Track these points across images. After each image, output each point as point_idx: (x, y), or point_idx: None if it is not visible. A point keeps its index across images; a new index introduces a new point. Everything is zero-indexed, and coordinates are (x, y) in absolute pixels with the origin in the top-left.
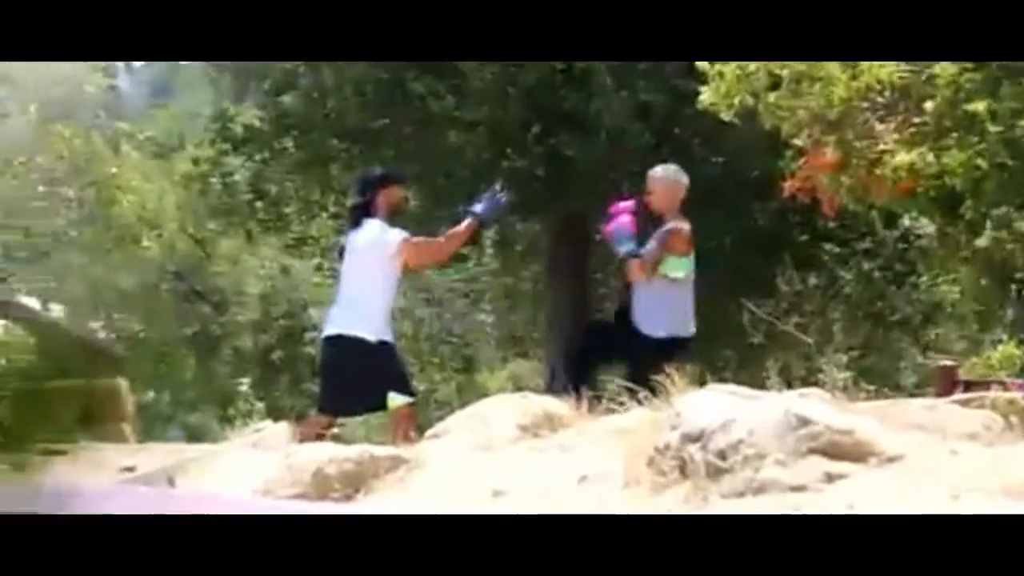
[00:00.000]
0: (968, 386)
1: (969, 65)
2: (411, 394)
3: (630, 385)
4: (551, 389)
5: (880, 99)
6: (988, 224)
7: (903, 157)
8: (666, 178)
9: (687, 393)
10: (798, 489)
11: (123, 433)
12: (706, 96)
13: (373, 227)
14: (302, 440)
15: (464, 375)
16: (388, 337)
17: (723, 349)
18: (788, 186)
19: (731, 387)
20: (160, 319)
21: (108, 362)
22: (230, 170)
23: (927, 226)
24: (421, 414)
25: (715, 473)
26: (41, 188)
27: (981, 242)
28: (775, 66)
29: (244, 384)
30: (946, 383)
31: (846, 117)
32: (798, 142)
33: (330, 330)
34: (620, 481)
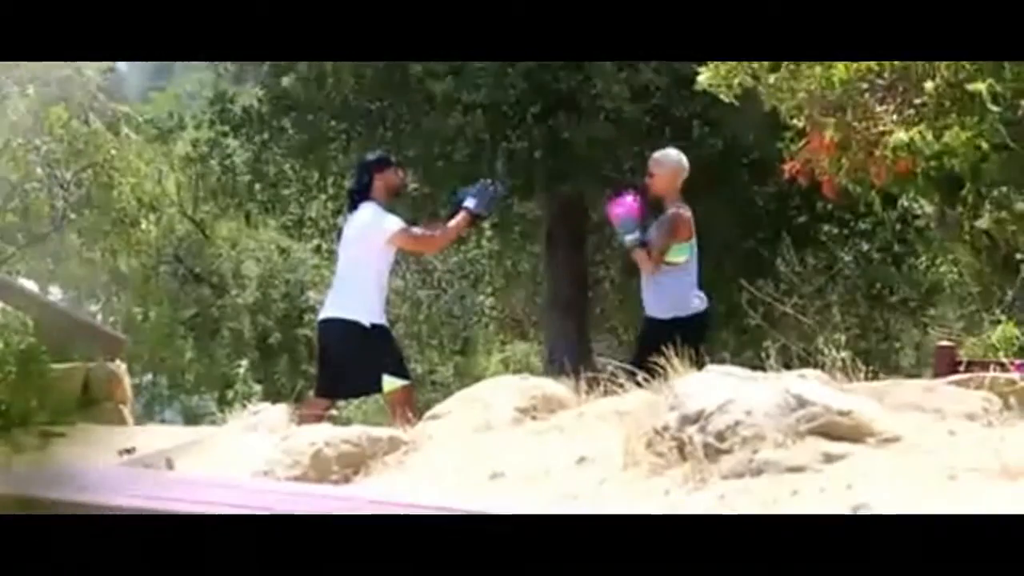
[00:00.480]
0: (967, 366)
1: None
2: (406, 376)
3: (628, 367)
4: (549, 371)
5: (880, 80)
6: (988, 205)
7: (901, 135)
8: (667, 162)
9: (686, 375)
10: (796, 470)
11: (122, 415)
12: (705, 77)
13: (369, 211)
14: (301, 423)
15: (462, 357)
16: (382, 320)
17: (721, 330)
18: (788, 168)
19: (729, 368)
20: (158, 301)
21: (106, 344)
22: (229, 152)
23: (926, 207)
24: (419, 396)
25: (714, 454)
26: (39, 171)
27: (981, 223)
28: None
29: (242, 366)
30: (944, 364)
31: (846, 98)
32: (798, 123)
33: (325, 314)
34: (619, 463)
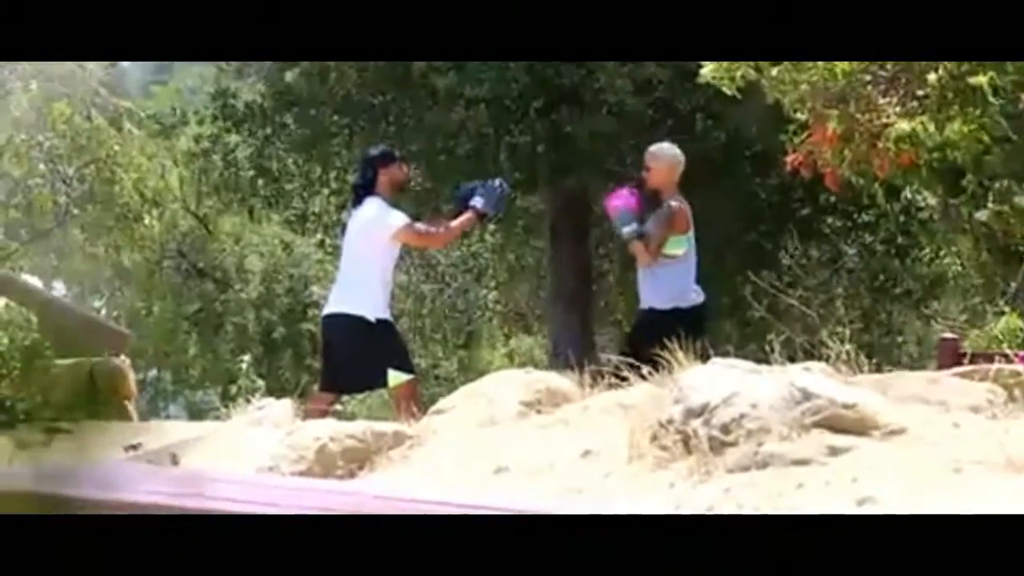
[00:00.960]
0: (971, 358)
1: None
2: (411, 371)
3: (632, 360)
4: (554, 364)
5: (883, 72)
6: (990, 197)
7: (903, 126)
8: (664, 156)
9: (690, 368)
10: (801, 463)
11: (126, 411)
12: (708, 71)
13: (373, 206)
14: (306, 418)
15: (466, 351)
16: (387, 315)
17: (725, 323)
18: (791, 160)
19: (734, 361)
20: (162, 297)
21: (111, 340)
22: (231, 147)
23: (929, 199)
24: (423, 390)
25: (718, 447)
26: (42, 166)
27: (980, 215)
28: None
29: (245, 361)
30: (948, 356)
31: (849, 90)
32: (801, 116)
33: (330, 309)
34: (624, 456)
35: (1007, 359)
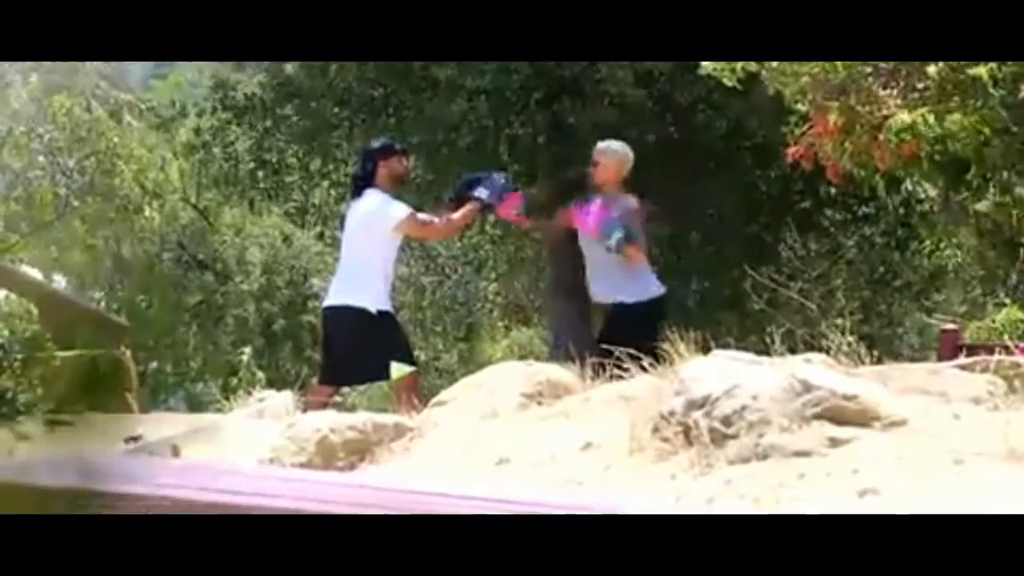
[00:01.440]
0: (971, 350)
1: None
2: (412, 363)
3: (633, 352)
4: (554, 356)
5: (883, 64)
6: (991, 189)
7: (904, 118)
8: (613, 152)
9: (691, 360)
10: (803, 454)
11: (127, 403)
12: (709, 62)
13: (374, 198)
14: (307, 410)
15: (467, 343)
16: (388, 307)
17: (726, 315)
18: (791, 152)
19: (735, 353)
20: (162, 289)
21: (111, 332)
22: (231, 139)
23: (930, 191)
24: (424, 382)
25: (720, 439)
26: (42, 158)
27: (980, 207)
28: None
29: (245, 353)
30: (949, 347)
31: (849, 82)
32: (801, 107)
33: (330, 301)
34: (625, 448)
35: (1007, 350)
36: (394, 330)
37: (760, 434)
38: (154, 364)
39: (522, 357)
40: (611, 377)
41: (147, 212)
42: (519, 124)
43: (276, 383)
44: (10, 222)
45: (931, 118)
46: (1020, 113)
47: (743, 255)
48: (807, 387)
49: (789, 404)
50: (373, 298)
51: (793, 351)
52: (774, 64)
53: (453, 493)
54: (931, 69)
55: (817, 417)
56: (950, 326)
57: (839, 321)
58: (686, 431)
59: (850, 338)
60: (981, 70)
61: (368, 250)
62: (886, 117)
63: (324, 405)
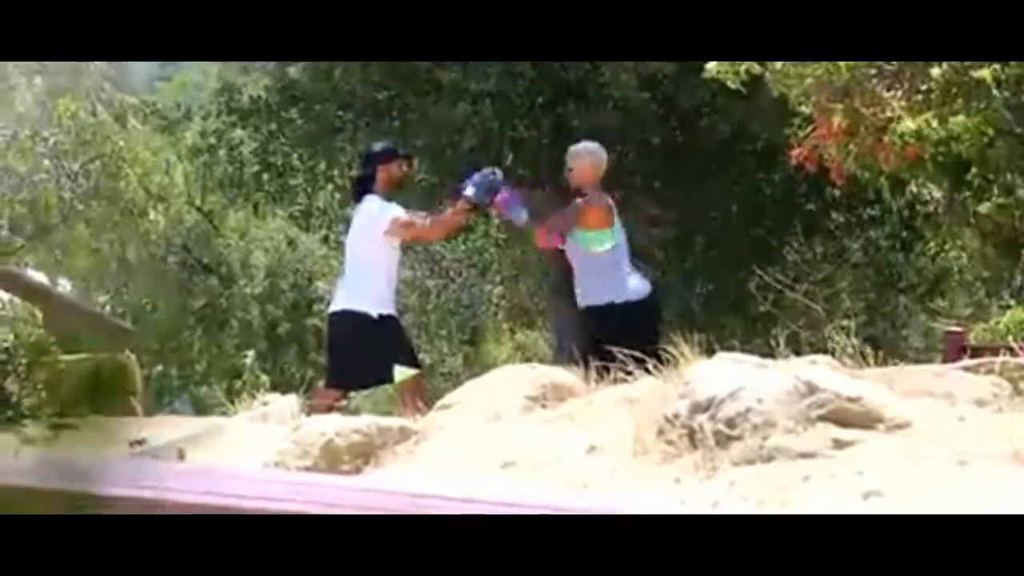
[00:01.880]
0: (976, 352)
1: None
2: (416, 366)
3: (637, 354)
4: (558, 359)
5: (887, 66)
6: (995, 190)
7: (908, 123)
8: (585, 154)
9: (695, 362)
10: (807, 456)
11: (132, 407)
12: (713, 65)
13: (371, 203)
14: (312, 413)
15: (472, 346)
16: (392, 311)
17: (731, 317)
18: (796, 154)
19: (739, 356)
20: (167, 292)
21: (116, 336)
22: (236, 142)
23: (934, 192)
24: (429, 386)
25: (724, 442)
26: (47, 162)
27: (983, 209)
28: None
29: (249, 357)
30: (954, 349)
31: (853, 84)
32: (805, 110)
33: (335, 306)
34: (629, 451)
35: (1012, 352)
36: (397, 333)
37: (765, 436)
38: (159, 367)
39: (527, 360)
40: (615, 380)
41: (152, 215)
42: (523, 127)
43: (281, 387)
44: (15, 226)
45: (935, 122)
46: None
47: (748, 258)
48: (811, 389)
49: (793, 406)
50: (375, 302)
51: (798, 353)
52: (778, 66)
53: (456, 496)
54: (935, 71)
55: (822, 419)
56: (955, 328)
57: (844, 323)
58: (691, 434)
59: (855, 340)
60: (985, 72)
61: (368, 255)
62: (890, 119)
63: (330, 409)
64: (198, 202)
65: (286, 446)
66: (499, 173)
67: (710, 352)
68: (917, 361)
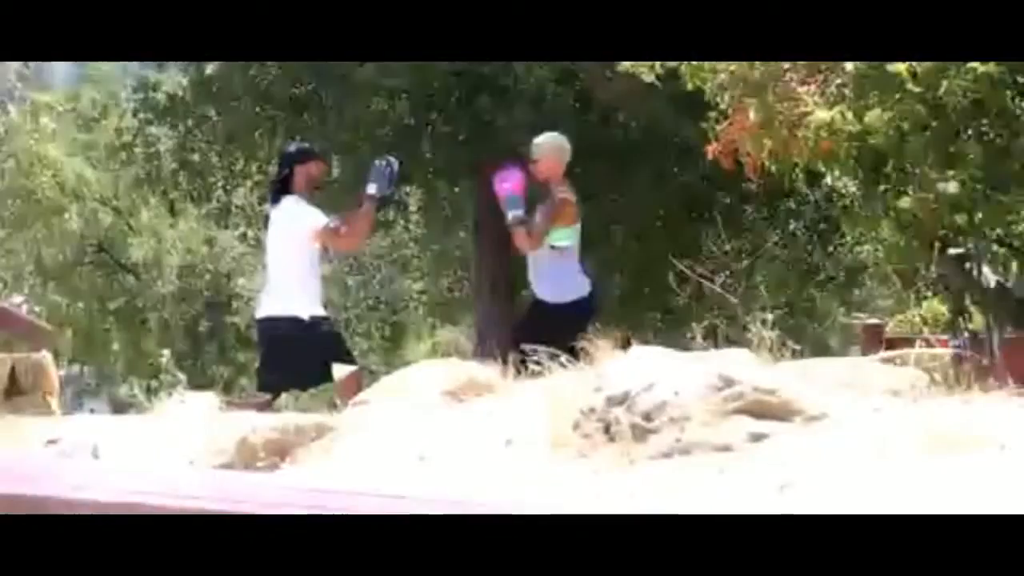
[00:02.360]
0: (893, 343)
1: None
2: (353, 362)
3: (553, 350)
4: (478, 354)
5: (800, 62)
6: (911, 184)
7: (822, 115)
8: (551, 146)
9: (611, 355)
10: (724, 449)
11: (49, 406)
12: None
13: (292, 206)
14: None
15: (392, 343)
16: (320, 311)
17: (648, 311)
18: (711, 149)
19: (656, 349)
20: (84, 291)
21: (33, 336)
22: (153, 140)
23: (849, 185)
24: None
25: (641, 435)
26: None
27: (903, 203)
28: None
29: (165, 355)
30: (872, 341)
31: (768, 79)
32: (720, 104)
33: (264, 312)
34: (546, 445)
35: (928, 343)
36: (331, 333)
37: (681, 429)
38: (76, 367)
39: (448, 355)
40: (532, 374)
41: (67, 215)
42: (440, 122)
43: (201, 384)
44: None
45: (849, 115)
46: (938, 108)
47: (666, 251)
48: (728, 382)
49: (710, 399)
50: (306, 304)
51: (716, 346)
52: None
53: (373, 492)
54: (848, 66)
55: (738, 412)
56: (872, 320)
57: (762, 316)
58: (607, 427)
59: (772, 333)
60: (900, 66)
61: (292, 258)
62: (804, 114)
63: (263, 408)
64: (115, 201)
65: (201, 444)
66: (393, 160)
67: (627, 345)
68: (836, 354)
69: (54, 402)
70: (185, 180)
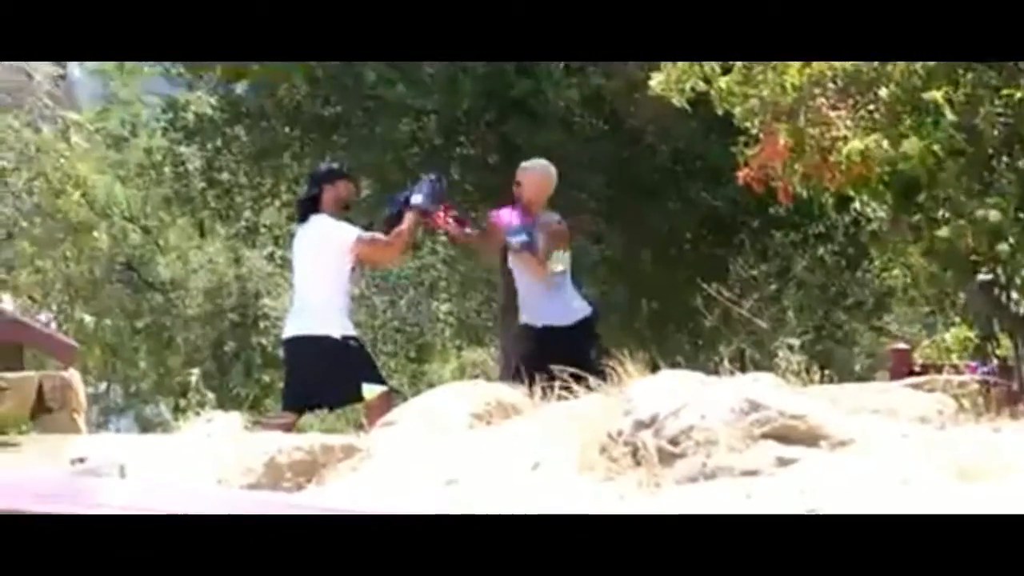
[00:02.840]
0: (921, 370)
1: None
2: (383, 382)
3: (580, 372)
4: (505, 377)
5: (832, 85)
6: (944, 212)
7: (856, 144)
8: (536, 171)
9: (639, 379)
10: (750, 474)
11: (76, 424)
12: (656, 82)
13: (320, 223)
14: (256, 430)
15: (418, 364)
16: (351, 330)
17: (676, 334)
18: (743, 174)
19: (683, 372)
20: (112, 310)
21: (59, 352)
22: (182, 159)
23: (879, 210)
24: None
25: (667, 459)
26: None
27: (942, 233)
28: None
29: (194, 375)
30: (899, 367)
31: (799, 103)
32: (751, 128)
33: (291, 332)
34: (573, 468)
35: (956, 370)
36: (361, 352)
37: (708, 454)
38: (104, 385)
39: (474, 377)
40: (560, 397)
41: (96, 233)
42: (469, 144)
43: (227, 403)
44: None
45: (885, 143)
46: (974, 135)
47: (694, 274)
48: (755, 407)
49: (737, 424)
50: (337, 324)
51: (743, 371)
52: (722, 84)
53: (400, 514)
54: (882, 92)
55: (765, 436)
56: (901, 345)
57: (789, 341)
58: (634, 451)
59: (800, 357)
60: (935, 93)
61: (321, 277)
62: (836, 139)
63: (288, 428)
64: (143, 220)
65: (229, 464)
66: (444, 178)
67: (654, 369)
68: (864, 378)
69: (81, 420)
70: (213, 199)
